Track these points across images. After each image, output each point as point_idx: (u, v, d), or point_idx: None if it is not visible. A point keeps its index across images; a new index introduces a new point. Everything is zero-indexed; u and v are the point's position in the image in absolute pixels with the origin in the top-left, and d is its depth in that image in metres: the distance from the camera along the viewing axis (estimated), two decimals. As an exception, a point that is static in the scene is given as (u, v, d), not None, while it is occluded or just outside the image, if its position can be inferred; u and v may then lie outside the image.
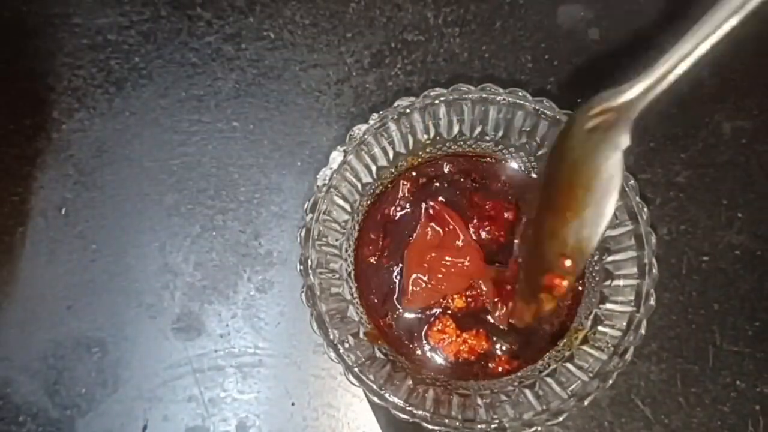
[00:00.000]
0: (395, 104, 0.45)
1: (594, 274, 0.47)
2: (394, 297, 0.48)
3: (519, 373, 0.47)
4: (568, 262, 0.36)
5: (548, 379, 0.44)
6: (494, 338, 0.48)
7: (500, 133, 0.47)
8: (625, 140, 0.33)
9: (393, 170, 0.49)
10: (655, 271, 0.43)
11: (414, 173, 0.50)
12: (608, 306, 0.44)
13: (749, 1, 0.29)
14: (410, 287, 0.47)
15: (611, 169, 0.33)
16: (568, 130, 0.35)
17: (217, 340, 0.52)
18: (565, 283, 0.37)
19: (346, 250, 0.47)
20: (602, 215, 0.34)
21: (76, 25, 0.55)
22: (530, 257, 0.39)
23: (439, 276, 0.47)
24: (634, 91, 0.32)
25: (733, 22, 0.30)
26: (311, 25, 0.55)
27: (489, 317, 0.48)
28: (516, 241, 0.42)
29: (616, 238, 0.45)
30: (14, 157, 0.54)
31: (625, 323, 0.43)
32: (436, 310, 0.48)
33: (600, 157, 0.33)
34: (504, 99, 0.44)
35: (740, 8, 0.30)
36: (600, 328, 0.44)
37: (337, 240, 0.46)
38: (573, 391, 0.42)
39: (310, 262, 0.44)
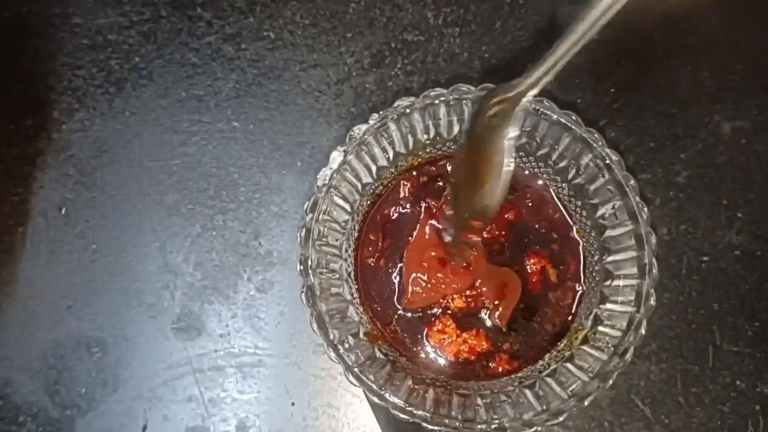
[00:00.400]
0: (395, 104, 0.45)
1: (594, 274, 0.47)
2: (395, 297, 0.48)
3: (519, 374, 0.47)
4: (477, 223, 0.44)
5: (548, 379, 0.44)
6: (494, 338, 0.48)
7: (500, 133, 0.47)
8: (512, 130, 0.39)
9: (393, 170, 0.49)
10: (655, 271, 0.43)
11: (414, 173, 0.50)
12: (608, 306, 0.44)
13: (612, 8, 0.34)
14: (410, 287, 0.47)
15: (503, 152, 0.39)
16: (476, 115, 0.41)
17: (217, 340, 0.52)
18: (475, 237, 0.46)
19: (346, 250, 0.47)
20: (497, 189, 0.40)
21: (76, 25, 0.55)
22: (454, 216, 0.46)
23: (439, 276, 0.47)
24: (523, 84, 0.38)
25: (600, 25, 0.34)
26: (311, 25, 0.55)
27: (489, 317, 0.48)
28: (447, 196, 0.48)
29: (616, 238, 0.45)
30: (14, 157, 0.54)
31: (625, 323, 0.43)
32: (436, 310, 0.48)
33: (495, 142, 0.40)
34: (504, 99, 0.44)
35: (601, 17, 0.34)
36: (600, 328, 0.44)
37: (337, 240, 0.46)
38: (573, 391, 0.42)
39: (310, 262, 0.44)
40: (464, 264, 0.47)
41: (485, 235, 0.48)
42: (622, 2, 0.33)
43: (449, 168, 0.48)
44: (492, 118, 0.40)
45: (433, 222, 0.48)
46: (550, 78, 0.38)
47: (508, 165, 0.40)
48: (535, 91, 0.38)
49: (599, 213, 0.45)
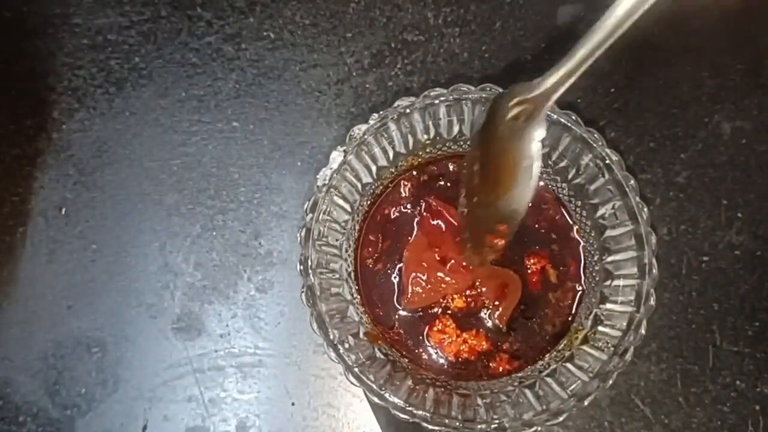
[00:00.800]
0: (395, 104, 0.45)
1: (594, 274, 0.47)
2: (394, 297, 0.48)
3: (519, 374, 0.47)
4: (503, 227, 0.42)
5: (548, 379, 0.44)
6: (494, 338, 0.48)
7: (500, 133, 0.47)
8: (540, 132, 0.37)
9: (393, 170, 0.49)
10: (655, 271, 0.43)
11: (414, 173, 0.50)
12: (608, 306, 0.44)
13: (645, 3, 0.32)
14: (410, 287, 0.47)
15: (531, 156, 0.38)
16: (493, 117, 0.39)
17: (217, 340, 0.52)
18: (501, 242, 0.43)
19: (346, 250, 0.47)
20: (526, 194, 0.39)
21: (76, 25, 0.55)
22: (474, 219, 0.43)
23: (439, 275, 0.47)
24: (545, 84, 0.36)
25: (631, 21, 0.32)
26: (311, 25, 0.55)
27: (489, 317, 0.48)
28: (461, 198, 0.45)
29: (616, 238, 0.45)
30: (15, 157, 0.54)
31: (625, 323, 0.43)
32: (436, 310, 0.48)
33: (520, 146, 0.38)
34: (504, 99, 0.44)
35: (636, 10, 0.32)
36: (600, 328, 0.44)
37: (337, 240, 0.46)
38: (573, 391, 0.42)
39: (310, 262, 0.44)
40: (482, 267, 0.46)
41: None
42: None
43: (463, 171, 0.46)
44: (514, 121, 0.38)
45: (432, 221, 0.48)
46: (577, 77, 0.35)
47: (537, 168, 0.38)
48: (562, 90, 0.36)
49: (599, 213, 0.45)
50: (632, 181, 0.43)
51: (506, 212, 0.40)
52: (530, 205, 0.40)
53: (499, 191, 0.40)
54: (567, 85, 0.36)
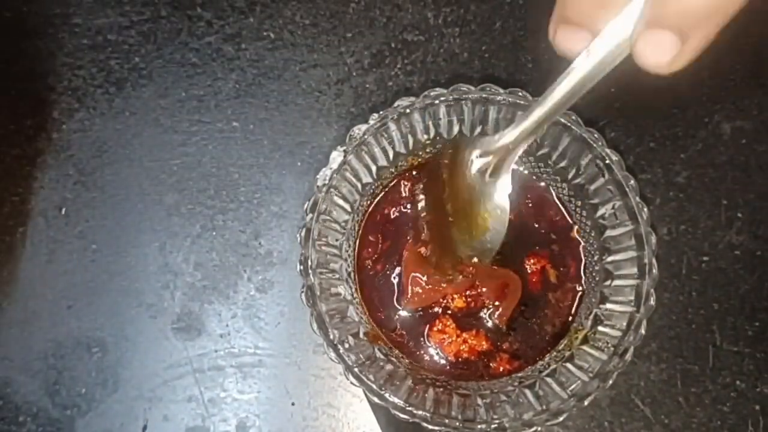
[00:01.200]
0: (395, 104, 0.45)
1: (594, 274, 0.47)
2: (394, 297, 0.48)
3: (519, 374, 0.47)
4: (475, 260, 0.43)
5: (548, 379, 0.44)
6: (494, 338, 0.48)
7: (500, 133, 0.47)
8: (507, 186, 0.38)
9: (393, 170, 0.49)
10: (655, 271, 0.43)
11: (414, 173, 0.50)
12: (608, 306, 0.44)
13: (614, 61, 0.31)
14: (409, 287, 0.47)
15: (501, 206, 0.39)
16: (458, 168, 0.39)
17: (217, 340, 0.52)
18: (472, 269, 0.44)
19: (346, 250, 0.47)
20: (499, 236, 0.40)
21: (76, 25, 0.55)
22: (443, 247, 0.44)
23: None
24: (508, 138, 0.36)
25: (603, 73, 0.32)
26: (311, 25, 0.55)
27: (489, 317, 0.48)
28: (423, 220, 0.46)
29: (616, 238, 0.45)
30: (15, 157, 0.54)
31: (625, 323, 0.43)
32: (436, 310, 0.48)
33: (490, 200, 0.39)
34: (504, 99, 0.44)
35: (606, 66, 0.32)
36: (600, 328, 0.44)
37: (337, 240, 0.46)
38: (573, 391, 0.42)
39: (310, 262, 0.44)
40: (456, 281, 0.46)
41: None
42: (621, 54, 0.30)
43: (419, 203, 0.46)
44: (479, 175, 0.38)
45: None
46: (538, 136, 0.35)
47: (506, 215, 0.39)
48: (523, 147, 0.36)
49: (599, 213, 0.45)
50: (632, 181, 0.43)
51: (479, 248, 0.41)
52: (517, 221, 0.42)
53: (473, 233, 0.41)
54: (527, 143, 0.36)
